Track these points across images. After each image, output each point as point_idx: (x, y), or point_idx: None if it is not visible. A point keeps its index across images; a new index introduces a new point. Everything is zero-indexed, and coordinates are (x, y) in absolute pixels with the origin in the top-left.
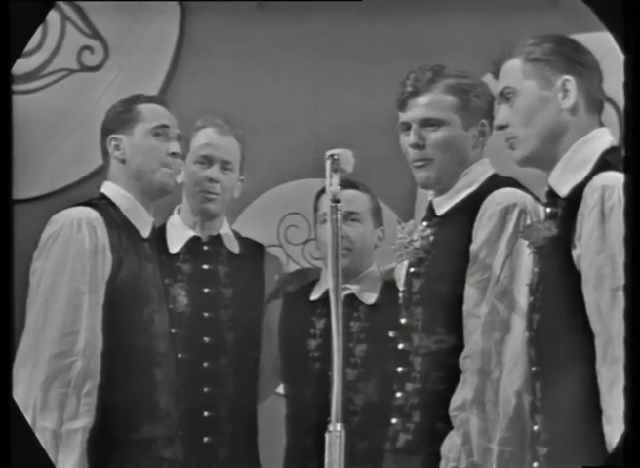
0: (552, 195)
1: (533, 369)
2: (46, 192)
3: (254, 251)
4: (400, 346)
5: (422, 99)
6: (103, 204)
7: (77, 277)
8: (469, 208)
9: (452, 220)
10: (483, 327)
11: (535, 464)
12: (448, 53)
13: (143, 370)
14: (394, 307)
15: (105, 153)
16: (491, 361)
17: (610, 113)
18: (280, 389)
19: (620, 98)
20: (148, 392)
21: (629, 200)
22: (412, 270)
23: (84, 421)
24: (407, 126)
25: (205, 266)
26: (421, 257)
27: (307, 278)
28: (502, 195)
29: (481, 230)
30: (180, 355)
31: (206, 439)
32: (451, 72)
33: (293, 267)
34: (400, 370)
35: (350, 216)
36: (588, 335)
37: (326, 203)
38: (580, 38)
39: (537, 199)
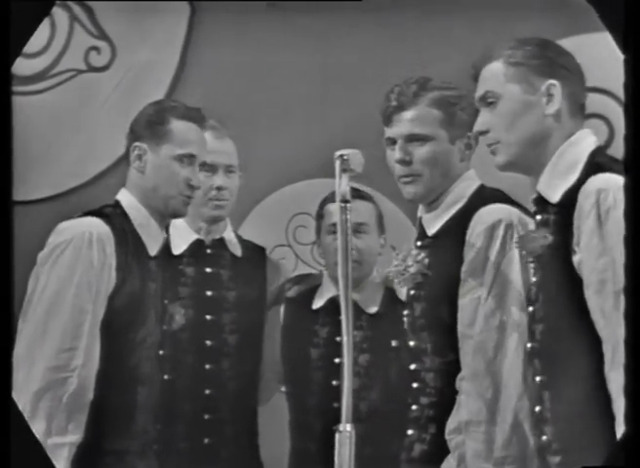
0: (542, 202)
1: (538, 379)
2: (49, 195)
3: (255, 254)
4: (412, 367)
5: (407, 114)
6: (117, 213)
7: (82, 294)
8: (459, 226)
9: (443, 241)
10: (474, 347)
11: None
12: (449, 53)
13: (128, 388)
14: (395, 316)
15: (128, 156)
16: (484, 381)
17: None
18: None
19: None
20: (129, 409)
21: (629, 200)
22: (412, 292)
23: (72, 437)
24: (392, 141)
25: (208, 269)
26: (419, 282)
27: (309, 283)
28: (488, 213)
29: (469, 251)
30: (165, 376)
31: (206, 440)
32: (436, 84)
33: (301, 267)
34: (415, 385)
35: (359, 228)
36: (595, 341)
37: (333, 208)
38: (581, 38)
39: (524, 209)
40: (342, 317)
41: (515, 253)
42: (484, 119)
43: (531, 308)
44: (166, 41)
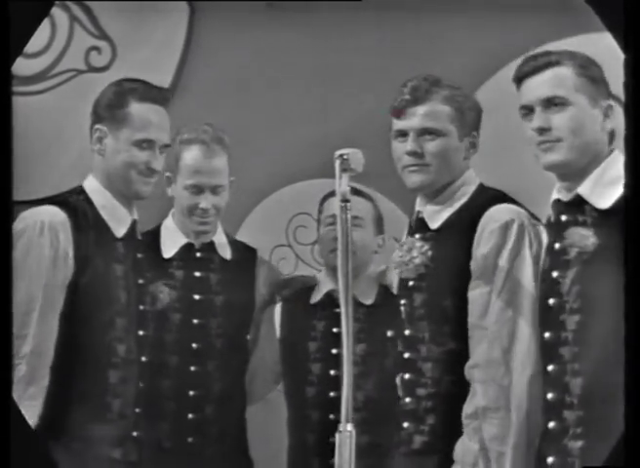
0: (581, 203)
1: (569, 367)
2: (49, 195)
3: (245, 255)
4: (406, 355)
5: (422, 109)
6: (80, 200)
7: (33, 282)
8: (463, 221)
9: (448, 234)
10: (490, 337)
11: (550, 459)
12: (451, 53)
13: (97, 371)
14: (390, 307)
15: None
16: (500, 369)
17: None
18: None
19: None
20: (100, 393)
21: (630, 198)
22: (411, 284)
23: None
24: (402, 133)
25: (197, 273)
26: (422, 273)
27: (303, 284)
28: (500, 212)
29: (482, 247)
30: (143, 358)
31: (190, 439)
32: (446, 83)
33: (302, 267)
34: (407, 376)
35: (353, 221)
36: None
37: (335, 204)
38: (581, 38)
39: (530, 213)
40: (342, 316)
41: (527, 251)
42: (547, 117)
43: (553, 300)
44: (166, 41)
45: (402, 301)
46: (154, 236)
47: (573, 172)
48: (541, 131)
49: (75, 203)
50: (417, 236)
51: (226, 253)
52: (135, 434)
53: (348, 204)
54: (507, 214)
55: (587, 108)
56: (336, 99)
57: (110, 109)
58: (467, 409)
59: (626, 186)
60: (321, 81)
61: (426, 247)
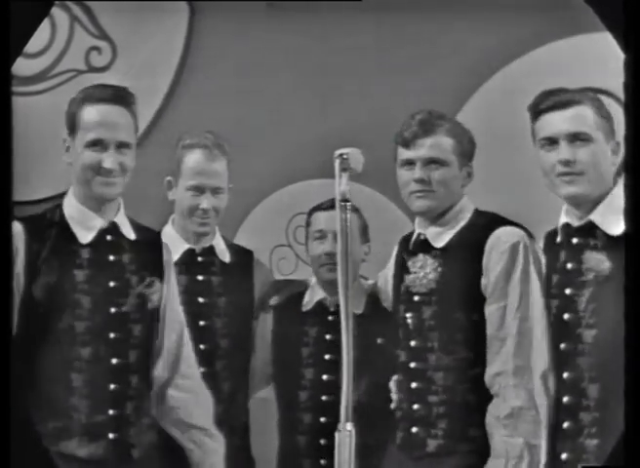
0: (591, 228)
1: (586, 374)
2: (49, 195)
3: (243, 258)
4: (412, 365)
5: (428, 141)
6: (54, 211)
7: None
8: (467, 240)
9: (453, 252)
10: (515, 347)
11: (564, 456)
12: (449, 53)
13: (58, 375)
14: (379, 317)
15: None
16: (526, 374)
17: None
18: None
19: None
20: (62, 395)
21: (629, 199)
22: (417, 298)
23: None
24: (410, 162)
25: (200, 277)
26: (432, 287)
27: (293, 290)
28: (506, 234)
29: (493, 266)
30: (113, 360)
31: None
32: (447, 118)
33: (302, 267)
34: (414, 385)
35: None
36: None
37: (320, 215)
38: (581, 38)
39: (528, 232)
40: (342, 315)
41: (532, 269)
42: (572, 151)
43: (568, 315)
44: (166, 41)
45: (408, 314)
46: None
47: (587, 201)
48: (567, 163)
49: (49, 215)
50: (421, 254)
51: (225, 256)
52: (111, 436)
53: (348, 204)
54: (513, 237)
55: (603, 144)
56: (336, 100)
57: (69, 118)
58: (503, 411)
59: (626, 186)
60: (322, 80)
61: (437, 263)
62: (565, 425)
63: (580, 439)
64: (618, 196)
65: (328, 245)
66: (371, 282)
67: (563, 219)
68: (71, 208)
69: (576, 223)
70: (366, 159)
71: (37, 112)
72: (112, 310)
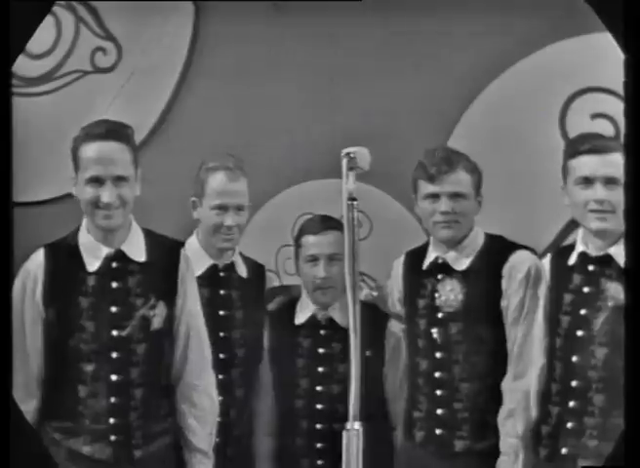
0: (609, 260)
1: (594, 386)
2: (50, 197)
3: (257, 272)
4: (437, 375)
5: (453, 177)
6: (72, 239)
7: (17, 322)
8: (485, 264)
9: (474, 275)
10: (517, 357)
11: (564, 450)
12: (450, 52)
13: (69, 388)
14: (368, 330)
15: None
16: (522, 382)
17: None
18: None
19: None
20: (71, 403)
21: (629, 199)
22: (442, 315)
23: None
24: (435, 195)
25: (222, 291)
26: (458, 307)
27: (288, 295)
28: (521, 261)
29: (512, 292)
30: (112, 377)
31: (217, 440)
32: (462, 154)
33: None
34: (439, 392)
35: (334, 256)
36: None
37: (311, 239)
38: (584, 38)
39: (531, 249)
40: (350, 315)
41: (541, 289)
42: (608, 193)
43: (581, 332)
44: (172, 41)
45: (434, 329)
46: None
47: (612, 235)
48: (601, 202)
49: (69, 240)
50: (439, 276)
51: (243, 271)
52: (113, 438)
53: (355, 202)
54: (527, 263)
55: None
56: (342, 99)
57: (72, 156)
58: (502, 414)
59: (627, 186)
60: (328, 80)
61: (461, 285)
62: (569, 425)
63: (583, 439)
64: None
65: (321, 270)
66: (365, 292)
67: (580, 248)
68: (83, 236)
69: (594, 253)
70: (372, 159)
71: (43, 113)
72: (114, 333)
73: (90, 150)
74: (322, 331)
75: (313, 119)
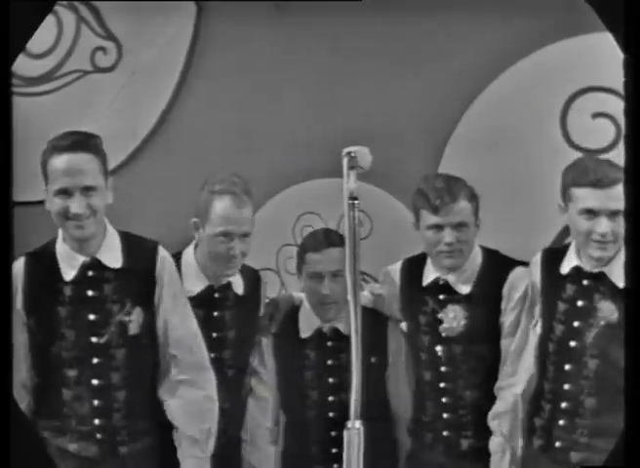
0: (602, 277)
1: (585, 390)
2: None
3: (253, 285)
4: (442, 385)
5: (456, 207)
6: (52, 243)
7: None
8: (486, 285)
9: (477, 298)
10: (511, 368)
11: (557, 444)
12: (457, 54)
13: (54, 391)
14: (371, 338)
15: None
16: (512, 389)
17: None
18: None
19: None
20: (57, 405)
21: (629, 199)
22: (444, 335)
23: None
24: (439, 226)
25: (215, 313)
26: (462, 331)
27: (285, 307)
28: (518, 279)
29: (510, 311)
30: (94, 381)
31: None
32: (462, 180)
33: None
34: (444, 400)
35: (338, 273)
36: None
37: (315, 257)
38: (584, 38)
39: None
40: (351, 314)
41: (535, 304)
42: (611, 225)
43: (574, 343)
44: (172, 41)
45: (438, 348)
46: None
47: (609, 259)
48: (604, 235)
49: (49, 248)
50: (441, 297)
51: (239, 288)
52: (99, 436)
53: (356, 202)
54: (524, 281)
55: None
56: (343, 99)
57: (42, 168)
58: (491, 415)
59: (626, 186)
60: (329, 81)
61: (464, 311)
62: (561, 423)
63: (574, 436)
64: (623, 254)
65: (325, 287)
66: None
67: (574, 262)
68: (60, 245)
69: (588, 269)
70: (378, 158)
71: (43, 113)
72: (93, 340)
73: (57, 162)
74: (329, 343)
75: (314, 119)
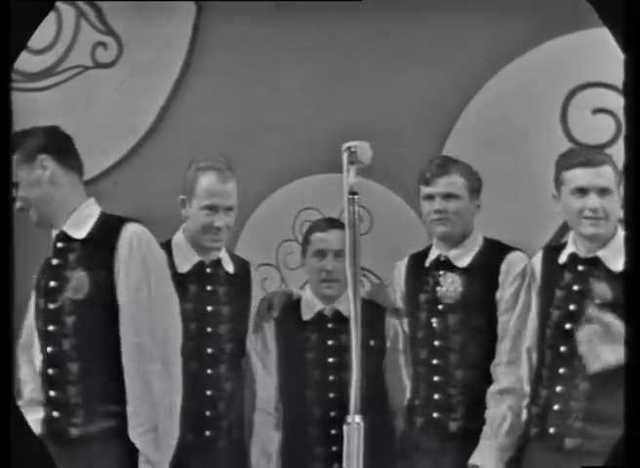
0: (597, 262)
1: (580, 373)
2: None
3: (243, 268)
4: (434, 362)
5: (445, 180)
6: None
7: None
8: (485, 262)
9: (475, 271)
10: (511, 345)
11: (551, 430)
12: (456, 50)
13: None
14: (370, 322)
15: None
16: (515, 365)
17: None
18: None
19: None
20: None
21: (629, 199)
22: (442, 307)
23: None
24: (430, 196)
25: (208, 287)
26: (458, 299)
27: (285, 300)
28: (517, 259)
29: (508, 286)
30: (49, 349)
31: (207, 433)
32: (460, 162)
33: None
34: (436, 378)
35: (342, 253)
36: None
37: (320, 236)
38: (583, 34)
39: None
40: (351, 310)
41: (533, 287)
42: (601, 202)
43: (569, 325)
44: (172, 37)
45: (434, 319)
46: (166, 250)
47: (602, 239)
48: (595, 210)
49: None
50: (441, 272)
51: (230, 267)
52: (55, 414)
53: (357, 197)
54: (522, 262)
55: (617, 195)
56: (342, 97)
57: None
58: (494, 388)
59: (626, 186)
60: (329, 79)
61: (463, 280)
62: (555, 407)
63: (568, 421)
64: (620, 237)
65: (329, 263)
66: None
67: (571, 249)
68: None
69: (583, 255)
70: (378, 153)
71: (43, 108)
72: (50, 306)
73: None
74: (330, 325)
75: (314, 115)
